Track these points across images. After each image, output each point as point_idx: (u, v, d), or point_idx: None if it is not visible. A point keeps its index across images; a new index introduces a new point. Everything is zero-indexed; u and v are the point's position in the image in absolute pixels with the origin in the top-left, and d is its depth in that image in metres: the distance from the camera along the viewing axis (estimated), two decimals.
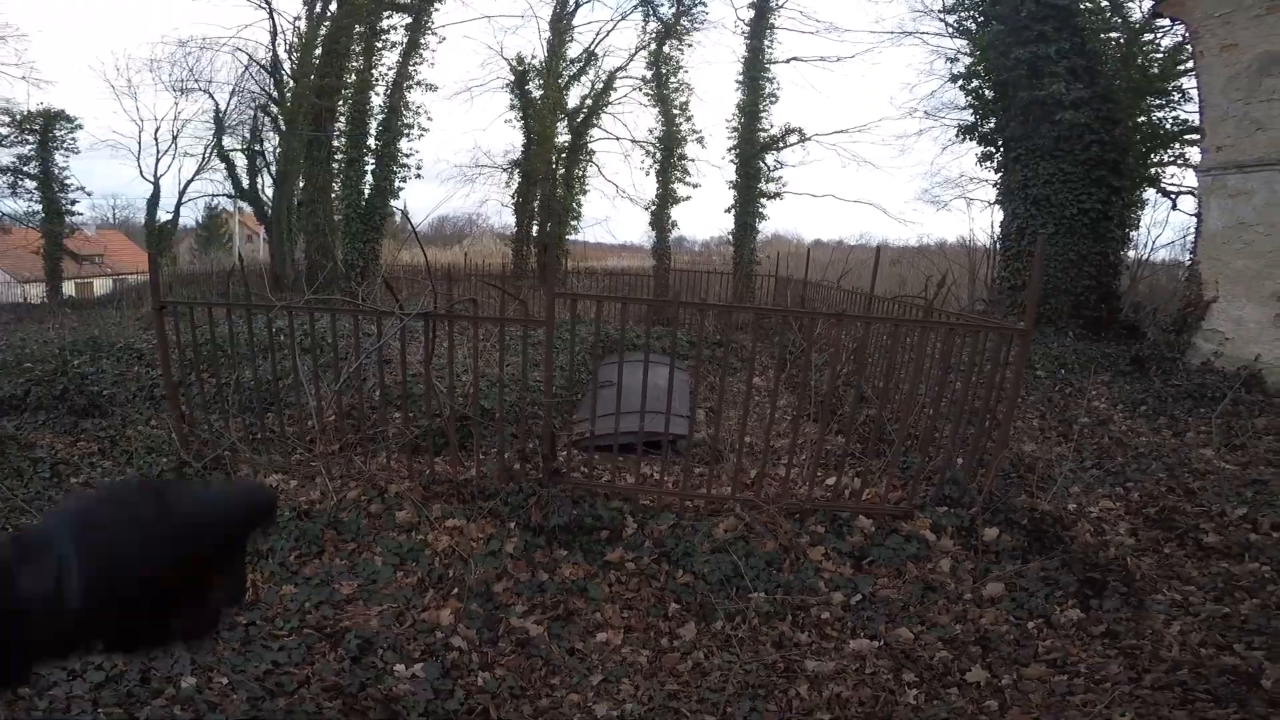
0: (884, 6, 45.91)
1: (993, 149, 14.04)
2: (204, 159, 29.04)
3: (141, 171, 26.20)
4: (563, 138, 23.18)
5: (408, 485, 4.59)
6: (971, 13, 15.34)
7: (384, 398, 5.16)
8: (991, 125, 13.99)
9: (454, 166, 46.78)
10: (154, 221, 28.79)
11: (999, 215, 13.33)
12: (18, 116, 22.02)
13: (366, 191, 18.56)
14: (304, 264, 18.91)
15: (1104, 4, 14.16)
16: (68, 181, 22.88)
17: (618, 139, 24.54)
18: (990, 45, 12.75)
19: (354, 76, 18.35)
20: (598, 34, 23.64)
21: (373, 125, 18.66)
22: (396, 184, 18.86)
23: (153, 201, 28.85)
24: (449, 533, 4.33)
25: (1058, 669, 3.34)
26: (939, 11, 18.60)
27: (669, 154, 20.75)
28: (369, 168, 18.66)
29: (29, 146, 22.21)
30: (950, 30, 18.46)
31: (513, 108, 22.47)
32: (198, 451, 4.98)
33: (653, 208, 20.96)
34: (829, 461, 5.15)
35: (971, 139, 14.79)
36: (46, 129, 22.32)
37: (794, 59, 21.26)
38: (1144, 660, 3.35)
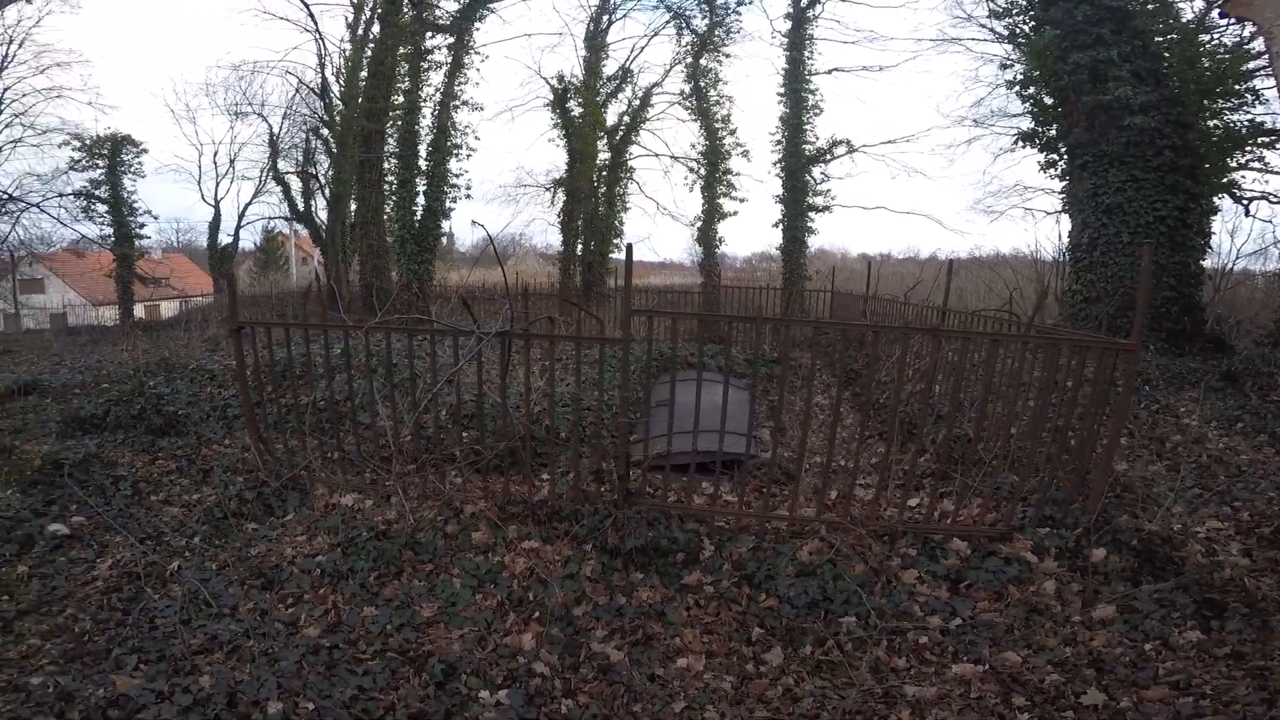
0: (923, 14, 45.27)
1: (1055, 156, 13.61)
2: (260, 182, 30.12)
3: (203, 195, 27.24)
4: (603, 155, 23.34)
5: (483, 505, 4.54)
6: (1022, 17, 14.98)
7: (458, 417, 5.14)
8: (1053, 132, 13.57)
9: (499, 187, 47.55)
10: (216, 244, 29.87)
11: (1065, 224, 12.86)
12: (88, 141, 22.91)
13: (419, 212, 18.86)
14: (358, 285, 19.25)
15: (1158, 4, 13.68)
16: (135, 205, 23.64)
17: (657, 155, 24.69)
18: (1045, 50, 12.39)
19: (402, 98, 18.70)
20: (632, 50, 23.79)
21: (422, 147, 18.99)
22: (447, 204, 19.16)
23: (214, 225, 29.97)
24: (525, 554, 4.26)
25: (1181, 691, 3.13)
26: (986, 16, 18.22)
27: (713, 169, 20.65)
28: (420, 188, 18.97)
29: (99, 171, 22.98)
30: (996, 36, 18.05)
31: (555, 126, 22.71)
32: (275, 471, 5.01)
33: (698, 223, 20.88)
34: (907, 482, 4.95)
35: (1031, 146, 14.38)
36: (114, 153, 23.11)
37: (835, 69, 20.98)
38: (1275, 681, 3.12)
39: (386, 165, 19.09)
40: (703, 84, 20.75)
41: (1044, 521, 4.28)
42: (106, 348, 15.50)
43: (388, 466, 4.90)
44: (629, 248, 4.25)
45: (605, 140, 23.28)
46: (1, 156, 24.45)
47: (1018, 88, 14.53)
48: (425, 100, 18.93)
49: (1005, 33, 16.90)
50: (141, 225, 23.83)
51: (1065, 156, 13.03)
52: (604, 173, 23.53)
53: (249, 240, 35.09)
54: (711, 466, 4.79)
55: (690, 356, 9.99)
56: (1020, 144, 14.67)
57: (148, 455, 6.34)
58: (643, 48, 23.44)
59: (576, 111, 22.42)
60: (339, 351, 7.67)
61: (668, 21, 22.25)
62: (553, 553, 4.29)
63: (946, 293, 7.41)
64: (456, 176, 19.33)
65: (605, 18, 23.12)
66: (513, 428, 5.16)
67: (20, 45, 25.16)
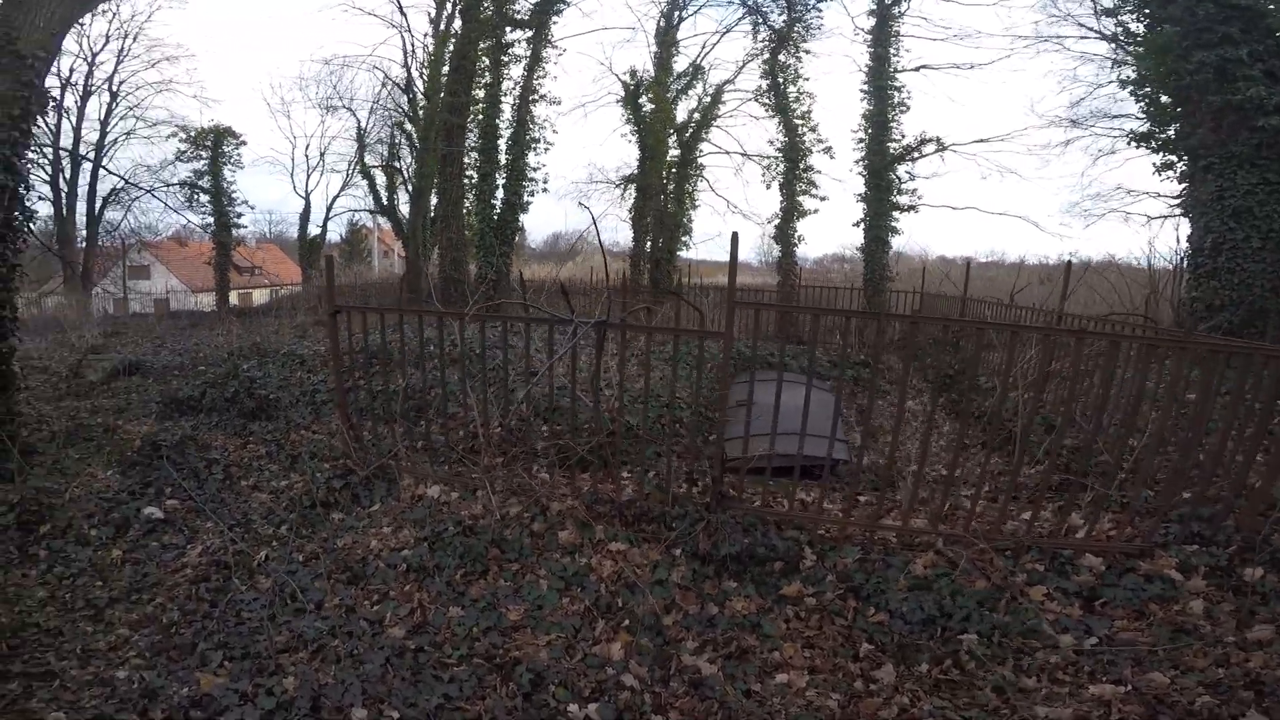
0: (1017, 12, 43.23)
1: (1173, 158, 12.68)
2: (347, 175, 31.07)
3: (294, 187, 28.29)
4: (673, 152, 23.09)
5: (570, 503, 4.38)
6: (1133, 16, 14.07)
7: (543, 410, 4.99)
8: (1171, 132, 12.64)
9: (570, 183, 47.88)
10: (305, 235, 30.98)
11: (1178, 229, 11.93)
12: (193, 133, 24.06)
13: (498, 206, 18.99)
14: (438, 278, 19.54)
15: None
16: (234, 195, 24.58)
17: (728, 153, 24.22)
18: (1164, 49, 11.57)
19: (483, 92, 18.85)
20: (703, 47, 23.43)
21: (502, 141, 19.07)
22: (525, 198, 19.22)
23: (304, 216, 31.09)
24: (612, 557, 4.08)
25: None
26: (1089, 14, 17.18)
27: (793, 166, 20.13)
28: (500, 182, 19.03)
29: (203, 162, 24.04)
30: (1098, 34, 16.98)
31: (626, 121, 22.56)
32: (363, 458, 4.97)
33: (775, 221, 20.38)
34: (1036, 495, 4.57)
35: (1145, 147, 13.44)
36: (217, 145, 24.09)
37: (924, 67, 20.06)
38: None
39: (467, 159, 19.29)
40: (781, 80, 20.24)
41: (1191, 538, 3.89)
42: (204, 332, 16.16)
43: (474, 458, 4.79)
44: (734, 236, 4.00)
45: (675, 137, 23.02)
46: (117, 147, 25.90)
47: (1131, 87, 13.63)
48: (505, 94, 19.02)
49: (1109, 31, 15.91)
50: (239, 215, 24.81)
51: (1185, 158, 12.14)
52: (674, 170, 23.28)
53: (335, 232, 36.38)
54: (789, 471, 4.52)
55: (770, 356, 9.69)
56: (1134, 144, 13.73)
57: (239, 439, 6.45)
58: (714, 44, 23.15)
59: (648, 108, 22.25)
60: (428, 340, 7.70)
61: (741, 18, 21.80)
62: (640, 556, 4.10)
63: (1064, 295, 6.90)
64: (534, 170, 19.28)
65: (676, 14, 22.85)
66: (602, 423, 4.98)
67: (134, 39, 26.62)
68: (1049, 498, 4.53)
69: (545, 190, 19.83)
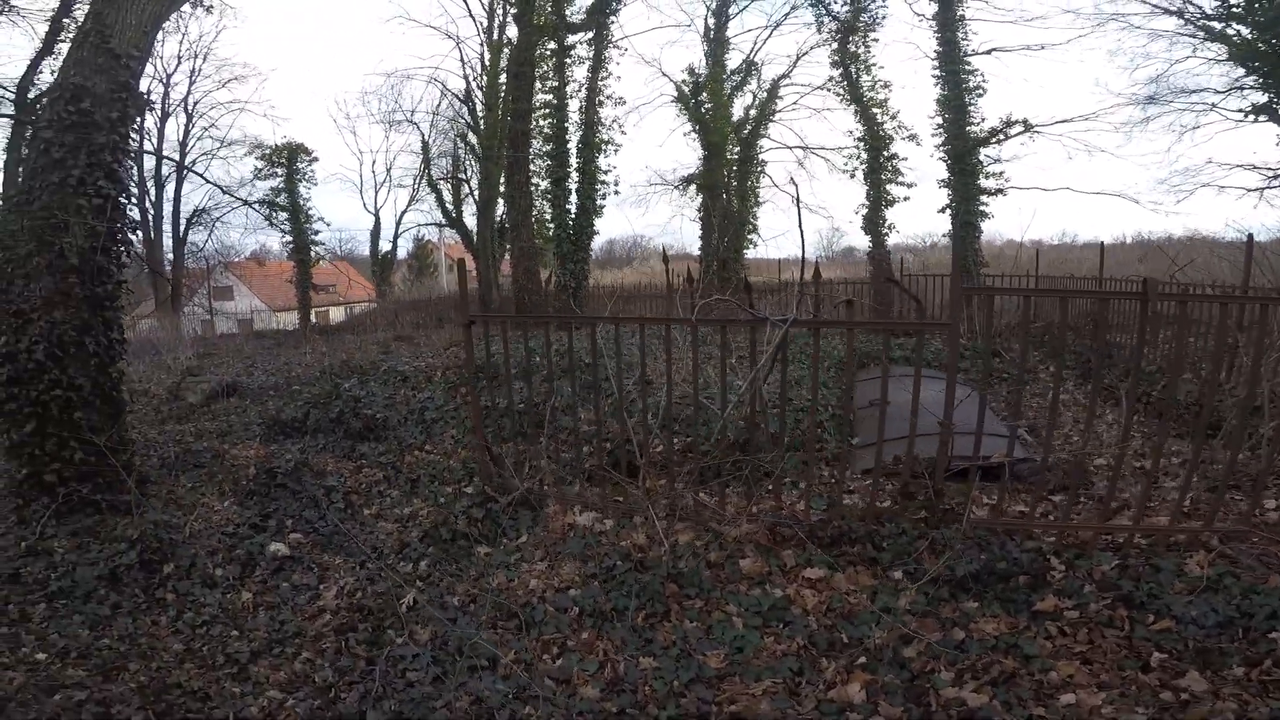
0: None
1: None
2: (414, 189, 31.14)
3: (364, 204, 28.42)
4: (733, 150, 22.36)
5: (748, 528, 3.79)
6: None
7: (672, 420, 4.40)
8: None
9: (630, 187, 47.38)
10: (377, 251, 31.22)
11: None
12: (268, 151, 23.74)
13: (573, 211, 18.59)
14: (511, 288, 19.23)
15: None
16: (310, 212, 24.10)
17: (790, 148, 23.36)
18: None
19: (551, 95, 18.53)
20: (755, 43, 22.69)
21: (572, 144, 18.66)
22: (598, 201, 18.74)
23: (374, 232, 31.30)
24: (812, 586, 3.51)
25: None
26: None
27: (876, 154, 19.27)
28: (573, 186, 18.61)
29: (279, 179, 23.62)
30: (1163, 10, 15.93)
31: (686, 120, 21.92)
32: (502, 484, 4.47)
33: (863, 211, 19.51)
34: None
35: (1270, 119, 12.39)
36: (291, 161, 23.68)
37: (995, 49, 19.03)
38: None
39: (534, 166, 19.01)
40: (854, 70, 19.43)
41: None
42: (289, 350, 16.20)
43: (628, 480, 4.24)
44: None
45: (733, 134, 22.31)
46: (196, 167, 26.34)
47: (1242, 62, 12.67)
48: (571, 97, 18.68)
49: (1175, 6, 14.88)
50: (316, 232, 24.42)
51: None
52: (734, 167, 22.54)
53: (404, 248, 36.67)
54: (963, 474, 4.02)
55: (876, 352, 8.96)
56: (1254, 117, 12.64)
57: (351, 462, 6.07)
58: (765, 39, 22.24)
59: (707, 106, 21.63)
60: (532, 350, 7.24)
61: (788, 14, 21.09)
62: (847, 582, 3.52)
63: (1247, 273, 6.01)
64: (604, 173, 18.85)
65: (726, 10, 22.14)
66: (780, 434, 4.37)
67: (204, 59, 27.12)
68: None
69: (617, 193, 19.47)
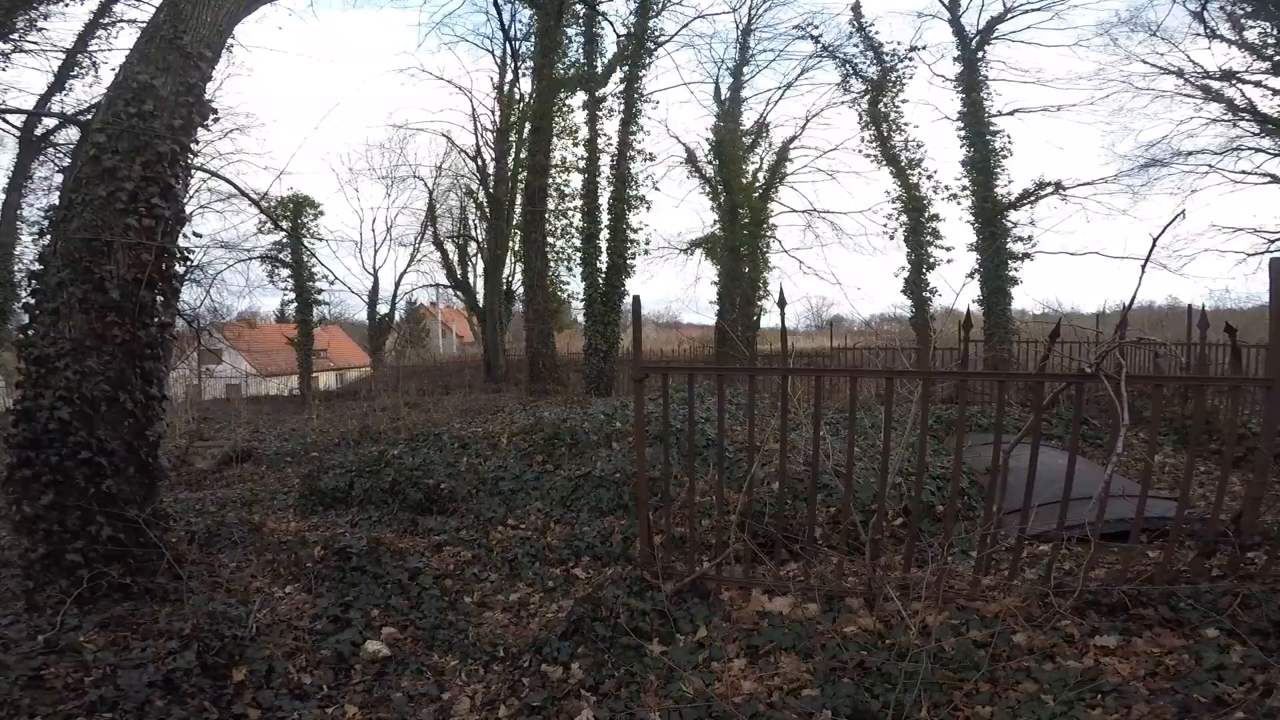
0: (1085, 53, 42.87)
1: None
2: (415, 248, 30.14)
3: (363, 264, 27.26)
4: (743, 213, 22.10)
5: (1009, 600, 2.96)
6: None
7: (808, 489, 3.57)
8: None
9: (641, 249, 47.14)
10: (375, 313, 30.04)
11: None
12: (272, 203, 21.56)
13: (603, 270, 17.81)
14: (525, 353, 18.30)
15: None
16: (314, 270, 22.21)
17: (798, 211, 23.13)
18: None
19: (582, 148, 18.02)
20: (766, 104, 22.48)
21: (603, 200, 17.97)
22: (629, 260, 17.89)
23: (373, 293, 30.11)
24: (1110, 654, 2.83)
25: None
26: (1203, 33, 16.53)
27: (916, 216, 18.92)
28: (604, 243, 17.82)
29: (282, 234, 21.79)
30: (1161, 69, 16.38)
31: (698, 181, 21.73)
32: (663, 568, 3.55)
33: (904, 273, 19.03)
34: None
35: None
36: (296, 214, 22.13)
37: (1019, 110, 19.10)
38: None
39: (558, 222, 18.36)
40: (884, 130, 19.34)
41: None
42: (289, 416, 15.13)
43: (874, 561, 3.37)
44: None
45: (743, 197, 22.06)
46: (193, 221, 25.18)
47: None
48: (602, 151, 18.17)
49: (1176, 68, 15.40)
50: (320, 291, 22.64)
51: None
52: (745, 231, 22.19)
53: (401, 311, 35.50)
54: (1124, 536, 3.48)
55: (979, 418, 8.26)
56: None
57: (421, 538, 5.13)
58: (776, 101, 22.05)
59: (716, 168, 21.41)
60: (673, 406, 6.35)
61: (800, 75, 21.22)
62: (1147, 647, 2.85)
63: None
64: (635, 231, 18.09)
65: (742, 69, 22.13)
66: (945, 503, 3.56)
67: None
68: None
69: (646, 252, 18.75)
